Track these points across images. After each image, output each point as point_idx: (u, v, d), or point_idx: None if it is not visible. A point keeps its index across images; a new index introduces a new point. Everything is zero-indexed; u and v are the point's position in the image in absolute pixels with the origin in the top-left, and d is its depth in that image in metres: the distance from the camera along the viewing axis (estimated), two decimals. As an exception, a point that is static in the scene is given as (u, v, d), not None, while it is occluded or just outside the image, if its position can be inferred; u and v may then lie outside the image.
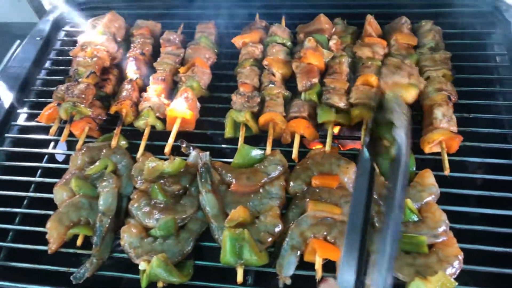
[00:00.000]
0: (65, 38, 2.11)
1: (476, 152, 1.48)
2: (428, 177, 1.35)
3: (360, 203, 1.05)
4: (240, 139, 1.51)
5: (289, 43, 1.79)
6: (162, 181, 1.45)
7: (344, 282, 0.90)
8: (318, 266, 1.21)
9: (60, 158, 1.80)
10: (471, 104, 1.58)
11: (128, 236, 1.34)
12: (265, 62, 1.67)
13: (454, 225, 1.28)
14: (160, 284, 1.26)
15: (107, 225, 1.37)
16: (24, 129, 1.77)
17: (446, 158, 1.35)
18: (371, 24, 1.72)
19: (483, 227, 1.31)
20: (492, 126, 1.52)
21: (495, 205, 1.36)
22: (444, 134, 1.36)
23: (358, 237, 0.98)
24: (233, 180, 1.42)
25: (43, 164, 1.64)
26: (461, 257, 1.20)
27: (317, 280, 1.21)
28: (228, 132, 1.56)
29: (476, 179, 1.53)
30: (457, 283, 1.14)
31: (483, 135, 1.50)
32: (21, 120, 1.79)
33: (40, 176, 1.60)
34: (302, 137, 1.51)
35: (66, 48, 2.03)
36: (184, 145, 1.56)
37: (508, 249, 1.26)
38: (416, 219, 1.27)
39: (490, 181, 1.44)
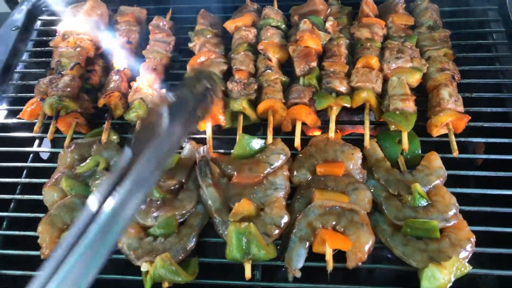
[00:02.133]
0: (42, 27, 1.98)
1: (478, 132, 1.45)
2: (435, 159, 1.32)
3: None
4: (238, 128, 1.44)
5: (283, 26, 1.72)
6: (157, 176, 1.37)
7: None
8: (329, 257, 1.16)
9: (44, 156, 1.70)
10: (472, 83, 1.55)
11: (126, 238, 1.27)
12: (260, 47, 1.59)
13: (462, 207, 1.26)
14: (165, 285, 1.20)
15: (103, 226, 1.29)
16: (4, 127, 1.66)
17: (453, 139, 1.32)
18: (368, 4, 1.66)
19: (491, 208, 1.30)
20: (493, 105, 1.50)
21: (495, 185, 1.34)
22: (452, 115, 1.33)
23: None
24: (234, 172, 1.36)
25: (29, 164, 1.54)
26: (473, 240, 1.18)
27: (328, 271, 1.17)
28: (225, 124, 1.49)
29: (475, 159, 1.52)
30: (471, 267, 1.12)
31: (485, 114, 1.47)
32: (1, 118, 1.67)
33: (26, 177, 1.51)
34: (302, 123, 1.45)
35: (45, 38, 1.90)
36: (178, 137, 1.48)
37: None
38: (425, 203, 1.24)
39: (489, 161, 1.43)
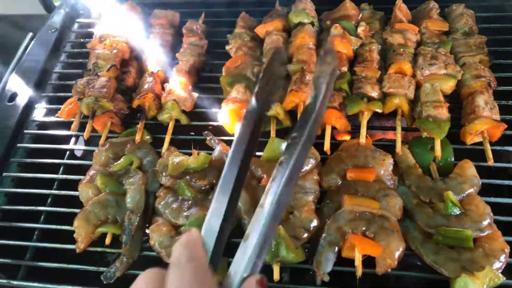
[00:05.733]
0: (79, 30, 2.05)
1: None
2: (469, 167, 1.30)
3: (239, 153, 0.93)
4: (271, 132, 1.45)
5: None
6: (188, 176, 1.40)
7: (209, 228, 0.83)
8: (358, 262, 1.16)
9: (78, 154, 1.77)
10: (509, 90, 1.51)
11: (157, 236, 1.29)
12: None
13: (496, 217, 1.23)
14: (194, 283, 1.22)
15: (136, 223, 1.33)
16: (43, 125, 1.72)
17: (489, 148, 1.30)
18: (401, 9, 1.65)
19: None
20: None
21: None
22: (487, 123, 1.30)
23: (230, 186, 0.86)
24: (264, 175, 1.37)
25: (65, 161, 1.60)
26: (507, 250, 1.15)
27: (357, 277, 1.16)
28: None
29: (509, 168, 1.48)
30: (505, 278, 1.10)
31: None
32: (40, 116, 1.74)
33: (62, 173, 1.56)
34: (332, 128, 1.45)
35: (82, 40, 1.97)
36: (209, 138, 1.51)
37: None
38: (458, 212, 1.22)
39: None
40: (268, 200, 0.83)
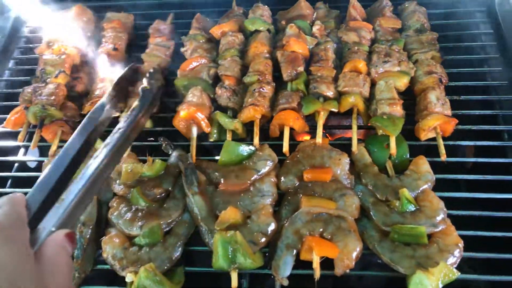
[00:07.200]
0: (29, 35, 1.96)
1: (467, 135, 1.44)
2: (423, 164, 1.31)
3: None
4: (227, 137, 1.43)
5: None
6: (142, 185, 1.36)
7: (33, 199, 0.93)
8: (316, 264, 1.15)
9: (31, 165, 1.69)
10: (460, 86, 1.54)
11: (110, 248, 1.24)
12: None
13: (451, 211, 1.25)
14: (150, 296, 1.18)
15: (88, 236, 1.27)
16: (-11, 136, 1.64)
17: (441, 143, 1.31)
18: (356, 7, 1.66)
19: (479, 212, 1.28)
20: (482, 108, 1.49)
21: (486, 188, 1.33)
22: (439, 119, 1.31)
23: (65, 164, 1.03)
24: (221, 179, 1.34)
25: (13, 174, 1.52)
26: (461, 245, 1.16)
27: (315, 279, 1.15)
28: (212, 137, 1.47)
29: (466, 162, 1.50)
30: (459, 273, 1.11)
31: (474, 117, 1.46)
32: (-14, 127, 1.65)
33: (10, 187, 1.49)
34: (291, 129, 1.44)
35: (31, 45, 1.88)
36: (165, 143, 1.47)
37: (506, 234, 1.23)
38: (413, 209, 1.23)
39: (479, 164, 1.41)
40: (89, 170, 0.98)
